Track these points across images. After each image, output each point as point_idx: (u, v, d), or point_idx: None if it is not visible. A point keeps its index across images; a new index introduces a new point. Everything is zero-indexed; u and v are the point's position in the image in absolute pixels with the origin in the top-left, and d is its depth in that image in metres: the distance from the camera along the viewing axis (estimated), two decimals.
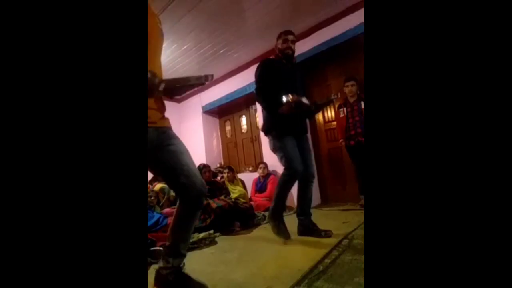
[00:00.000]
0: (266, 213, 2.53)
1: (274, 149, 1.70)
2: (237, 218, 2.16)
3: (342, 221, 1.92)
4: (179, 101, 4.48)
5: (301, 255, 1.35)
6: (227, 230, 2.02)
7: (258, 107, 3.33)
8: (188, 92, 4.24)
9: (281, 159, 1.66)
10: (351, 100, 2.52)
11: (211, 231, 1.87)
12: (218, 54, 3.11)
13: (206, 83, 0.84)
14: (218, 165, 3.99)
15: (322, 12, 2.57)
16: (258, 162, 3.28)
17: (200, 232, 1.85)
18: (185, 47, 2.87)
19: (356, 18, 2.45)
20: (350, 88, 2.51)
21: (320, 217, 2.17)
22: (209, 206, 2.08)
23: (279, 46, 1.74)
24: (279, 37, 1.76)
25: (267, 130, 1.72)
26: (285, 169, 1.65)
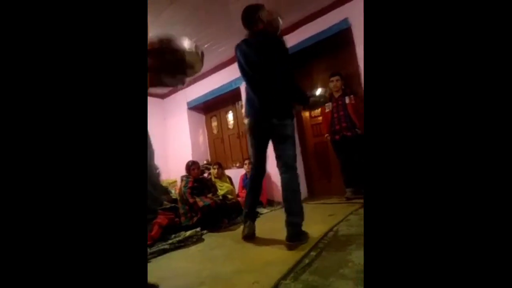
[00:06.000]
0: None
1: (288, 136, 1.45)
2: (224, 215, 2.15)
3: (328, 214, 1.95)
4: (162, 97, 4.36)
5: (288, 249, 1.36)
6: (215, 227, 2.01)
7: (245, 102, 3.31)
8: (171, 88, 4.15)
9: (291, 147, 1.46)
10: (336, 95, 2.55)
11: (198, 229, 1.85)
12: (203, 49, 3.05)
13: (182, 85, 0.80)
14: (205, 162, 3.95)
15: (307, 8, 2.57)
16: (244, 158, 3.27)
17: (186, 230, 1.83)
18: None
19: (340, 13, 2.47)
20: (335, 83, 2.54)
21: (307, 211, 2.20)
22: (196, 205, 2.06)
23: (269, 19, 1.55)
24: (262, 9, 1.54)
25: (287, 113, 1.46)
26: (292, 162, 1.45)
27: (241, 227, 1.65)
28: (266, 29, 1.54)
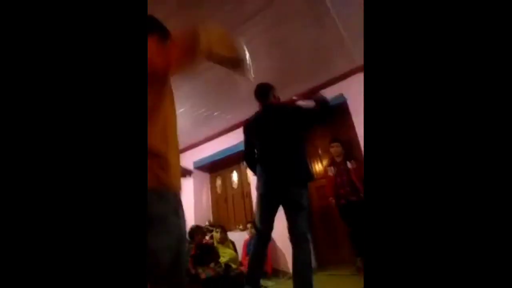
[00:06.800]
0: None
1: (304, 206, 1.43)
2: (227, 287, 2.00)
3: None
4: None
5: None
6: None
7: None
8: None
9: (305, 217, 1.44)
10: (338, 160, 2.67)
11: None
12: (212, 116, 3.33)
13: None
14: (207, 223, 3.83)
15: (307, 83, 2.91)
16: (248, 221, 3.19)
17: None
18: (181, 110, 3.08)
19: (337, 89, 2.79)
20: (335, 148, 2.69)
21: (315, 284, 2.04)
22: (198, 277, 1.94)
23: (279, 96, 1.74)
24: (274, 88, 1.72)
25: (309, 178, 1.51)
26: (306, 234, 1.41)
27: None
28: (278, 103, 1.72)
